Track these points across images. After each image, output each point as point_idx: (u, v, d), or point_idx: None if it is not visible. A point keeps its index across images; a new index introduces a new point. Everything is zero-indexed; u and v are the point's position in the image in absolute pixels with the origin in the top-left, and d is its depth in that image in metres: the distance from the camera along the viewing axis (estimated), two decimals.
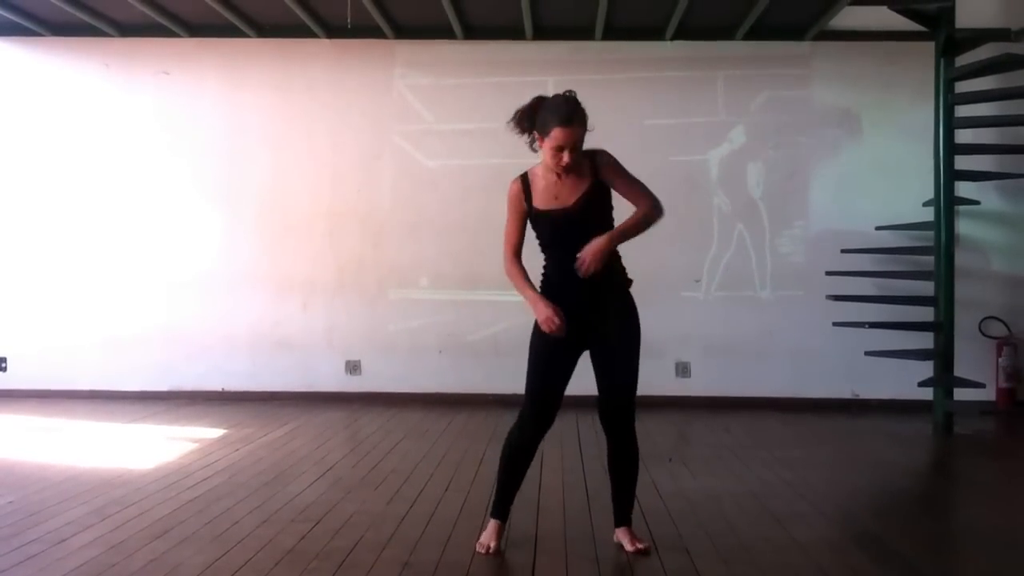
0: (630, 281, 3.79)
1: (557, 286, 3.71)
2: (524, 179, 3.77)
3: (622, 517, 3.84)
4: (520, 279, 3.72)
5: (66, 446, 5.89)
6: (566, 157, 3.59)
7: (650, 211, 3.69)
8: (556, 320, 3.59)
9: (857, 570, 3.55)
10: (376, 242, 7.87)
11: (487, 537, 3.77)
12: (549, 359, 3.70)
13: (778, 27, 7.49)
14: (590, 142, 3.75)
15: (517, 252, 3.78)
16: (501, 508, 3.82)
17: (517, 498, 3.87)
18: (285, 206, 7.89)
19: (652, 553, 3.70)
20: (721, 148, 7.73)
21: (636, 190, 3.73)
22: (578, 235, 3.64)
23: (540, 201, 3.72)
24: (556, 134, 3.57)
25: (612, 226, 3.73)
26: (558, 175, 3.68)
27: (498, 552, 3.73)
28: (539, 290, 3.72)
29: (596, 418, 3.89)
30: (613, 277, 3.74)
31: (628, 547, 3.75)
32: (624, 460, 3.84)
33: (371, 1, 6.93)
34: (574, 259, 3.61)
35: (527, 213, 3.75)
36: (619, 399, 3.75)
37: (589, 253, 3.58)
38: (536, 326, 3.70)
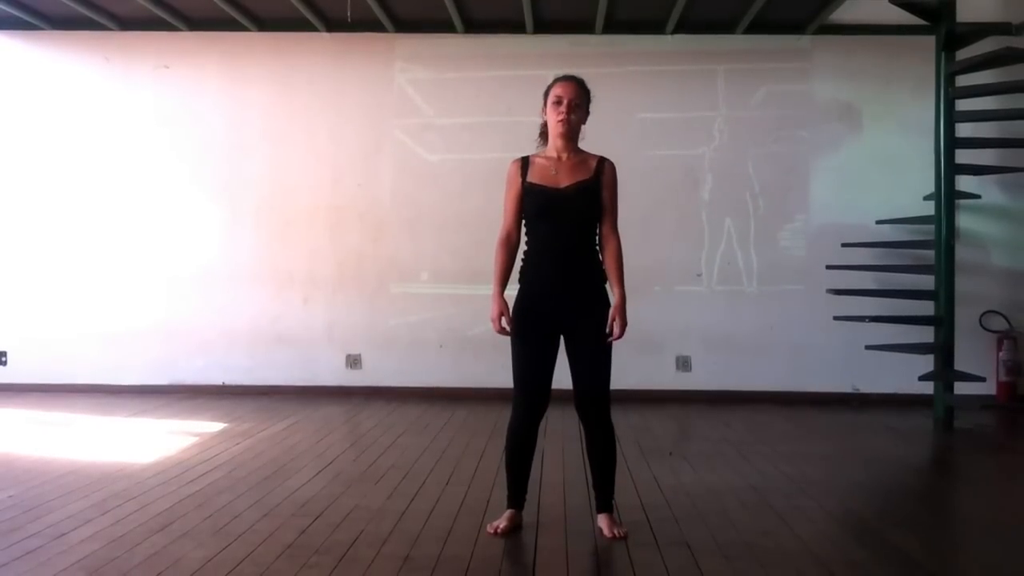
0: (607, 277, 3.86)
1: (537, 256, 3.86)
2: (524, 159, 3.95)
3: (602, 504, 3.93)
4: (497, 268, 3.95)
5: (66, 440, 5.89)
6: (564, 108, 3.84)
7: (620, 246, 3.88)
8: (501, 324, 3.83)
9: (857, 564, 3.55)
10: (376, 236, 7.86)
11: (499, 519, 3.91)
12: (527, 346, 3.83)
13: (779, 21, 7.49)
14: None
15: (509, 235, 3.95)
16: (513, 498, 3.95)
17: None
18: (285, 200, 7.88)
19: (653, 547, 3.69)
20: (721, 142, 7.72)
21: (612, 212, 3.90)
22: (563, 215, 3.81)
23: (535, 177, 3.87)
24: (555, 89, 3.91)
25: (595, 224, 3.88)
26: (561, 135, 3.87)
27: (505, 534, 3.84)
28: (521, 262, 3.91)
29: None
30: (589, 271, 3.85)
31: (607, 533, 3.82)
32: (601, 449, 3.91)
33: None
34: (555, 237, 3.81)
35: (521, 189, 3.87)
36: (593, 392, 3.84)
37: (620, 322, 3.76)
38: (515, 315, 3.85)
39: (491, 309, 3.86)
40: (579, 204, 3.81)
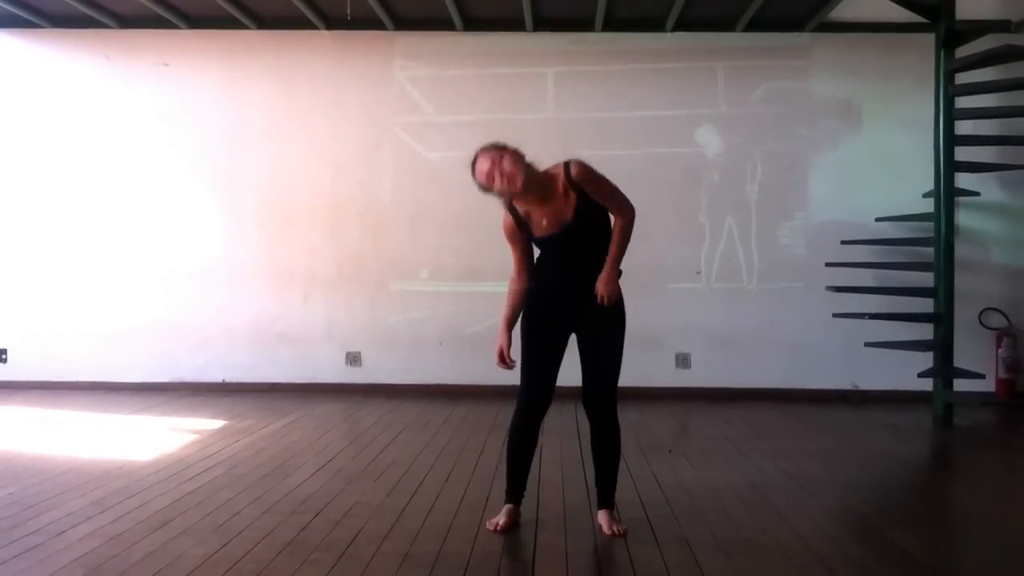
0: (619, 272, 3.84)
1: (551, 259, 3.84)
2: (513, 211, 3.84)
3: (604, 500, 3.94)
4: (508, 306, 3.90)
5: (66, 437, 5.90)
6: (499, 175, 3.65)
7: (628, 222, 3.81)
8: (503, 361, 3.87)
9: (856, 561, 3.56)
10: (376, 234, 7.86)
11: (498, 516, 3.91)
12: (537, 345, 3.84)
13: (778, 18, 7.49)
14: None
15: (519, 277, 3.89)
16: (512, 492, 3.96)
17: None
18: (285, 198, 7.89)
19: (652, 544, 3.70)
20: (721, 139, 7.72)
21: (614, 201, 3.80)
22: (581, 246, 3.78)
23: (538, 229, 3.80)
24: (477, 168, 3.70)
25: (609, 228, 3.83)
26: (516, 198, 3.76)
27: (505, 531, 3.84)
28: (534, 268, 3.89)
29: None
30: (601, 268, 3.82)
31: (606, 530, 3.83)
32: (606, 445, 3.93)
33: None
34: (569, 253, 3.78)
35: (526, 240, 3.85)
36: (601, 391, 3.87)
37: (603, 289, 3.72)
38: (527, 313, 3.87)
39: (498, 343, 3.90)
40: (591, 231, 3.76)
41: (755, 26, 7.54)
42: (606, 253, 3.78)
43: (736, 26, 7.54)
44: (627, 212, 3.81)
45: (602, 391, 3.86)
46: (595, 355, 3.84)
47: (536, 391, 3.86)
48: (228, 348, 7.89)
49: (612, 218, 3.85)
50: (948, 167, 6.61)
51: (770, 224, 7.72)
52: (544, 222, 3.77)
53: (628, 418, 6.37)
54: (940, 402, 6.65)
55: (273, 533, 3.81)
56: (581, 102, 7.67)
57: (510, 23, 7.63)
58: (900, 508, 4.53)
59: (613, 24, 7.64)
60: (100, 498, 4.33)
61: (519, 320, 3.90)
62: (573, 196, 3.73)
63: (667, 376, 7.66)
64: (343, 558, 3.51)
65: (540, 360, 3.85)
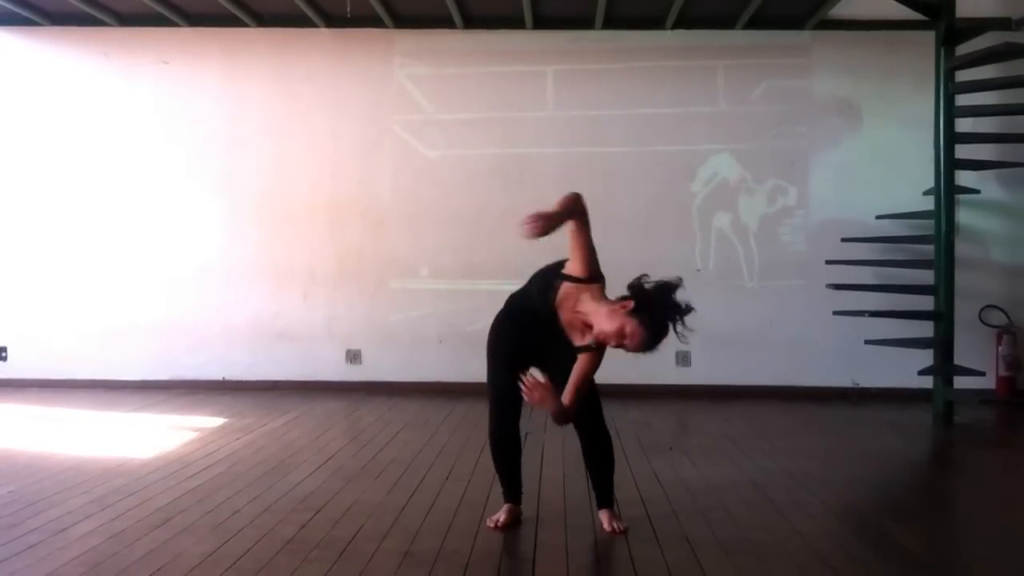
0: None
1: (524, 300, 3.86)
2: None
3: (603, 501, 3.94)
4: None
5: (66, 435, 5.89)
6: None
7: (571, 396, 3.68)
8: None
9: (857, 559, 3.55)
10: (376, 232, 7.86)
11: (499, 513, 3.92)
12: (505, 367, 3.89)
13: (779, 16, 7.49)
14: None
15: None
16: (509, 493, 3.98)
17: None
18: (285, 196, 7.88)
19: (653, 543, 3.70)
20: (721, 138, 7.71)
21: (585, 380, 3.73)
22: (561, 354, 3.76)
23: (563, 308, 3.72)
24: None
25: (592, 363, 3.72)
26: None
27: (505, 529, 3.84)
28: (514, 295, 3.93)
29: None
30: None
31: (606, 528, 3.83)
32: (597, 452, 3.95)
33: None
34: (554, 331, 3.74)
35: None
36: (583, 407, 3.79)
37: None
38: (494, 325, 4.02)
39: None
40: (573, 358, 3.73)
41: (755, 24, 7.54)
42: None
43: (736, 24, 7.54)
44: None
45: (585, 406, 3.79)
46: (573, 372, 3.73)
47: (508, 403, 3.91)
48: (228, 346, 7.88)
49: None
50: (948, 165, 6.61)
51: (770, 222, 7.71)
52: (570, 317, 3.69)
53: (628, 416, 6.43)
54: (940, 400, 6.66)
55: (273, 531, 3.81)
56: (581, 100, 7.66)
57: (510, 21, 7.62)
58: (900, 505, 4.54)
59: (613, 22, 7.63)
60: (100, 496, 4.33)
61: (490, 336, 3.98)
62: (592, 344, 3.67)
63: (667, 374, 7.63)
64: (343, 556, 3.50)
65: (510, 377, 3.77)
